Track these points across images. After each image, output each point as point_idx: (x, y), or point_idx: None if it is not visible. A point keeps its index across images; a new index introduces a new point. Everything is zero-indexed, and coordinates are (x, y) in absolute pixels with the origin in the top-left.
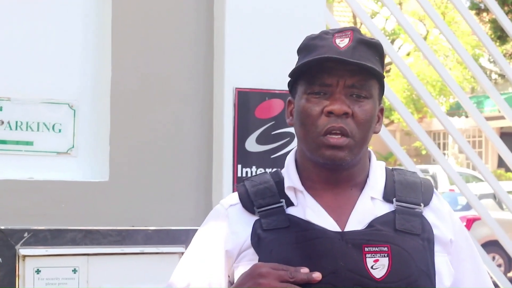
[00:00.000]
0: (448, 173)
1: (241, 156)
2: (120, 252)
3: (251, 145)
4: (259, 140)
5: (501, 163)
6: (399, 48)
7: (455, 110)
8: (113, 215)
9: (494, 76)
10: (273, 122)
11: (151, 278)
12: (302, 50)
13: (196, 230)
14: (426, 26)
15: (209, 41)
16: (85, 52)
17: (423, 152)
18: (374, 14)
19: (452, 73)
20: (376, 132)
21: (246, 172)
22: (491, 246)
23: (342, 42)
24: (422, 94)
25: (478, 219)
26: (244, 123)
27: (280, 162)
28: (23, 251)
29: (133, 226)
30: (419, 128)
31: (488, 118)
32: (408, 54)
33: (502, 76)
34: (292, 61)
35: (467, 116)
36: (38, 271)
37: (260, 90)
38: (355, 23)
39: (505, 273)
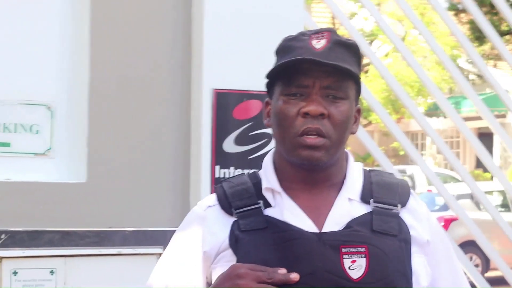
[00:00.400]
0: (426, 174)
1: (219, 157)
2: (97, 253)
3: (229, 146)
4: (237, 141)
5: (479, 164)
6: (378, 49)
7: (433, 111)
8: (90, 217)
9: (472, 76)
10: (251, 123)
11: (128, 279)
12: (279, 51)
13: (174, 231)
14: (404, 27)
15: (187, 42)
16: (63, 53)
17: (401, 153)
18: (353, 15)
19: (430, 73)
20: (353, 133)
21: (224, 173)
22: (469, 246)
23: (319, 44)
24: (400, 95)
25: (456, 219)
26: (222, 124)
27: (258, 163)
28: (0, 252)
29: (110, 228)
30: (397, 129)
31: (466, 119)
32: (386, 55)
33: (479, 76)
34: (270, 62)
35: (445, 117)
36: (15, 273)
37: (238, 91)
38: (333, 24)
39: (482, 273)
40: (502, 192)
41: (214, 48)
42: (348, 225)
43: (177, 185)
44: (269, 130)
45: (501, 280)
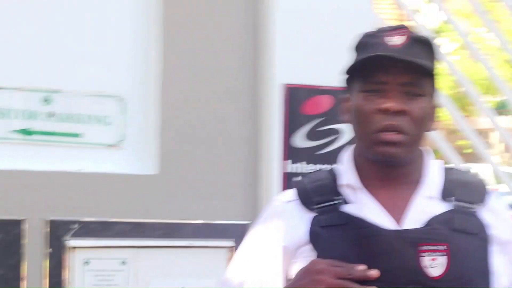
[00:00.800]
0: (495, 172)
1: (289, 152)
2: (168, 245)
3: (300, 141)
4: (308, 136)
5: None
6: (443, 46)
7: (500, 109)
8: (161, 208)
9: None
10: (322, 118)
11: (199, 272)
12: (358, 47)
13: (245, 225)
14: (469, 25)
15: (258, 36)
16: (136, 45)
17: (467, 151)
18: (417, 12)
19: (498, 71)
20: (432, 130)
21: (295, 168)
22: None
23: (398, 40)
24: (470, 92)
25: None
26: (292, 119)
27: (327, 158)
28: (72, 242)
29: (181, 220)
30: (467, 126)
31: None
32: (453, 53)
33: None
34: (340, 57)
35: None
36: (87, 263)
37: (308, 86)
38: (401, 21)
39: None
40: None
41: (285, 43)
42: (428, 223)
43: (248, 179)
44: (339, 126)
45: None
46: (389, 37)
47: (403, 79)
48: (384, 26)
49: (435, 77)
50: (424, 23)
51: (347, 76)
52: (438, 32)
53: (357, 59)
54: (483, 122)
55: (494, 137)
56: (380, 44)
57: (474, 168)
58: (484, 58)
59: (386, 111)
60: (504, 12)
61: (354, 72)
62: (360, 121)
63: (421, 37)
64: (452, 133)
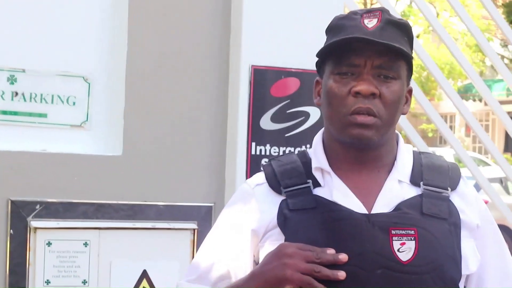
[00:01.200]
0: (460, 155)
1: (256, 134)
2: (131, 226)
3: (266, 123)
4: (274, 119)
5: (507, 148)
6: None
7: (462, 94)
8: (125, 190)
9: (505, 61)
10: (288, 100)
11: (162, 254)
12: (330, 30)
13: (208, 207)
14: (436, 9)
15: (226, 18)
16: (101, 25)
17: (430, 135)
18: None
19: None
20: (404, 113)
21: (260, 150)
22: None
23: (371, 23)
24: (436, 74)
25: (486, 202)
26: (259, 101)
27: (294, 141)
28: (34, 223)
29: (145, 201)
30: (432, 110)
31: None
32: (417, 36)
33: None
34: (308, 39)
35: (474, 100)
36: (49, 244)
37: (276, 68)
38: (365, 3)
39: None
40: None
41: (253, 25)
42: (398, 207)
43: (213, 161)
44: (306, 108)
45: None
46: (362, 20)
47: (376, 61)
48: (358, 9)
49: (409, 60)
50: (390, 6)
51: (319, 58)
52: (403, 15)
53: (330, 42)
54: (446, 106)
55: (456, 121)
56: (353, 26)
57: (436, 152)
58: (452, 41)
59: (358, 94)
60: None
61: (326, 55)
62: (332, 104)
63: (395, 20)
64: (415, 117)
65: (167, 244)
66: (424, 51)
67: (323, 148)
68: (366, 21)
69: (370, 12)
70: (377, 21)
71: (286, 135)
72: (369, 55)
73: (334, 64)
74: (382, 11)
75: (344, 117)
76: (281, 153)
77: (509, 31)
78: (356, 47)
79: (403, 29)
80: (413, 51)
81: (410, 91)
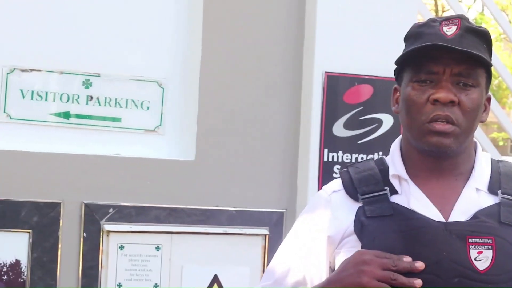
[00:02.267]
0: None
1: (328, 141)
2: (203, 231)
3: (339, 130)
4: (347, 125)
5: None
6: None
7: None
8: (197, 195)
9: None
10: (361, 107)
11: (233, 259)
12: (409, 37)
13: (281, 213)
14: (508, 16)
15: (300, 24)
16: (176, 31)
17: (500, 143)
18: (458, 2)
19: None
20: (483, 121)
21: (332, 157)
22: None
23: (450, 30)
24: (509, 82)
25: None
26: (332, 108)
27: (367, 148)
28: (107, 226)
29: (217, 206)
30: (505, 117)
31: None
32: None
33: None
34: (382, 46)
35: None
36: (121, 247)
37: (349, 75)
38: (436, 10)
39: None
40: None
41: (327, 31)
42: (475, 216)
43: (285, 167)
44: (379, 115)
45: None
46: (441, 27)
47: (455, 69)
48: (437, 16)
49: (489, 67)
50: (462, 12)
51: (397, 66)
52: (475, 23)
53: (408, 49)
54: None
55: None
56: (432, 34)
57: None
58: None
59: (436, 102)
60: None
61: (405, 63)
62: (410, 111)
63: (475, 27)
64: (486, 125)
65: (238, 249)
66: (497, 58)
67: (401, 155)
68: (445, 28)
69: (449, 20)
70: (456, 29)
71: (359, 142)
72: (448, 63)
73: (413, 72)
74: (461, 18)
75: (423, 125)
76: (353, 160)
77: None
78: (435, 55)
79: (483, 37)
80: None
81: (489, 99)
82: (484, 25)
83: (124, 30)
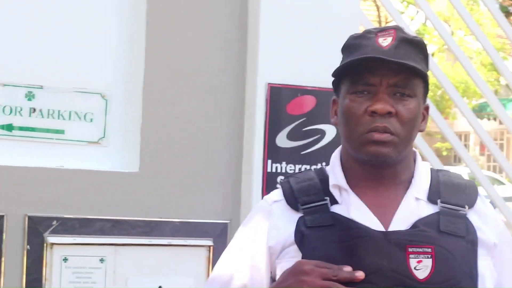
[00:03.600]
0: (475, 174)
1: (272, 152)
2: (147, 243)
3: (282, 140)
4: (290, 136)
5: None
6: None
7: (477, 113)
8: (141, 206)
9: None
10: (304, 118)
11: (177, 270)
12: (346, 49)
13: (224, 224)
14: (450, 28)
15: (243, 36)
16: (119, 42)
17: (444, 153)
18: (400, 13)
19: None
20: (421, 131)
21: (276, 168)
22: None
23: (385, 41)
24: (451, 93)
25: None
26: (275, 119)
27: (310, 159)
28: (51, 239)
29: (161, 218)
30: (447, 128)
31: None
32: (432, 55)
33: None
34: (324, 58)
35: (488, 119)
36: (65, 260)
37: (292, 86)
38: (379, 22)
39: None
40: None
41: (270, 43)
42: (415, 225)
43: (229, 178)
44: (322, 126)
45: None
46: (376, 39)
47: (391, 80)
48: (372, 27)
49: (425, 77)
50: (404, 25)
51: (335, 78)
52: (418, 34)
53: (345, 61)
54: (461, 124)
55: (471, 140)
56: (368, 45)
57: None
58: (467, 60)
59: (374, 113)
60: (484, 15)
61: (342, 75)
62: (349, 123)
63: (410, 38)
64: (429, 135)
65: (183, 260)
66: (439, 70)
67: (341, 165)
68: (380, 39)
69: (384, 31)
70: (392, 40)
71: (302, 152)
72: (384, 74)
73: (350, 84)
74: (396, 29)
75: (361, 136)
76: (297, 171)
77: None
78: (371, 66)
79: (418, 47)
80: (428, 68)
81: (427, 108)
82: (427, 36)
83: (67, 42)
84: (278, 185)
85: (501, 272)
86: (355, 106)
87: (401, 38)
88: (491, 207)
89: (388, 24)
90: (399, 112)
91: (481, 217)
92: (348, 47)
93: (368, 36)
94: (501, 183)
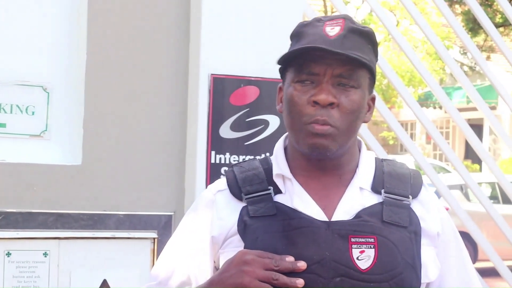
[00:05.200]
0: (420, 163)
1: (215, 143)
2: (91, 236)
3: (225, 131)
4: (233, 127)
5: (467, 155)
6: None
7: (423, 101)
8: (85, 199)
9: (465, 68)
10: (248, 109)
11: (122, 263)
12: (294, 37)
13: (169, 216)
14: (396, 17)
15: (185, 26)
16: (60, 34)
17: (390, 142)
18: (345, 3)
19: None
20: (366, 121)
21: (220, 159)
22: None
23: (333, 31)
24: (395, 83)
25: (446, 209)
26: (218, 110)
27: (254, 149)
28: None
29: (105, 211)
30: (392, 118)
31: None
32: (378, 44)
33: (471, 69)
34: (268, 48)
35: (434, 107)
36: (8, 254)
37: (235, 77)
38: (325, 12)
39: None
40: (491, 184)
41: (212, 33)
42: (358, 215)
43: (173, 170)
44: (265, 117)
45: (490, 271)
46: (324, 27)
47: (336, 70)
48: (322, 16)
49: (372, 69)
50: (350, 15)
51: (281, 65)
52: (363, 23)
53: (290, 50)
54: (407, 113)
55: (417, 128)
56: (315, 34)
57: (397, 160)
58: (411, 49)
59: (316, 103)
60: (429, 4)
61: (288, 62)
62: (291, 112)
63: (359, 28)
64: (376, 124)
65: (127, 253)
66: (384, 59)
67: (285, 154)
68: (328, 28)
69: (333, 20)
70: (340, 29)
71: (246, 143)
72: (329, 64)
73: (295, 72)
74: (345, 18)
75: (303, 126)
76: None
77: (467, 39)
78: (317, 56)
79: (367, 37)
80: (377, 59)
81: (373, 99)
82: (372, 26)
83: (7, 35)
84: (222, 176)
85: (444, 261)
86: (299, 95)
87: (350, 28)
88: (435, 197)
89: (334, 14)
90: (341, 103)
91: (425, 206)
92: (296, 35)
93: (316, 24)
94: (447, 171)
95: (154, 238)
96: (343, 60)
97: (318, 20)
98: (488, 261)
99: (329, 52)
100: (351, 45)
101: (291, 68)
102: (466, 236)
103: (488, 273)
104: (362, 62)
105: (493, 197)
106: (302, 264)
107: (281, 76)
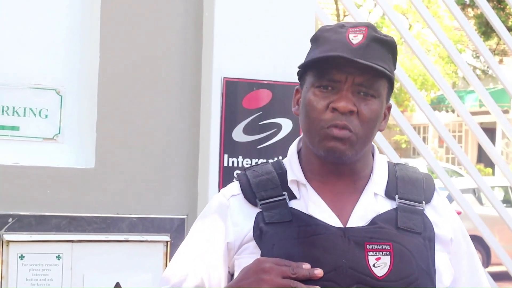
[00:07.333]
0: (432, 167)
1: (228, 146)
2: (104, 239)
3: (238, 135)
4: (246, 130)
5: (480, 158)
6: None
7: (435, 105)
8: (98, 202)
9: (477, 72)
10: (260, 112)
11: (134, 266)
12: (315, 41)
13: (181, 219)
14: (408, 20)
15: (198, 30)
16: (73, 38)
17: (403, 146)
18: (358, 6)
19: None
20: (381, 130)
21: (232, 162)
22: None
23: (356, 39)
24: (408, 87)
25: (459, 213)
26: (231, 113)
27: (266, 153)
28: (7, 236)
29: (117, 214)
30: (405, 122)
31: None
32: None
33: (484, 72)
34: (280, 51)
35: (447, 111)
36: (22, 257)
37: (248, 80)
38: (338, 15)
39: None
40: (504, 188)
41: (225, 37)
42: (373, 221)
43: (185, 173)
44: (278, 120)
45: (503, 275)
46: (347, 34)
47: (357, 79)
48: (344, 21)
49: (391, 78)
50: (362, 18)
51: (301, 68)
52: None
53: (312, 56)
54: (420, 117)
55: (429, 132)
56: (338, 41)
57: (410, 163)
58: (423, 52)
59: (335, 110)
60: (441, 7)
61: (309, 66)
62: (309, 116)
63: (381, 37)
64: (388, 128)
65: (140, 256)
66: (396, 63)
67: (299, 158)
68: (351, 36)
69: (356, 27)
70: (363, 38)
71: (258, 147)
72: (350, 72)
73: (315, 77)
74: (368, 27)
75: (321, 130)
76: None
77: (480, 42)
78: (338, 63)
79: (388, 47)
80: (395, 67)
81: (389, 108)
82: (385, 29)
83: (21, 38)
84: (235, 180)
85: (457, 266)
86: (318, 100)
87: (372, 37)
88: (447, 202)
89: (346, 18)
90: (360, 111)
91: (438, 212)
92: (318, 39)
93: (339, 30)
94: (459, 175)
95: (167, 241)
96: (365, 69)
97: (341, 26)
98: (501, 265)
99: (352, 61)
100: (373, 55)
101: (311, 72)
102: (479, 240)
103: (501, 277)
104: (383, 72)
105: (506, 201)
106: (319, 272)
107: (299, 78)
